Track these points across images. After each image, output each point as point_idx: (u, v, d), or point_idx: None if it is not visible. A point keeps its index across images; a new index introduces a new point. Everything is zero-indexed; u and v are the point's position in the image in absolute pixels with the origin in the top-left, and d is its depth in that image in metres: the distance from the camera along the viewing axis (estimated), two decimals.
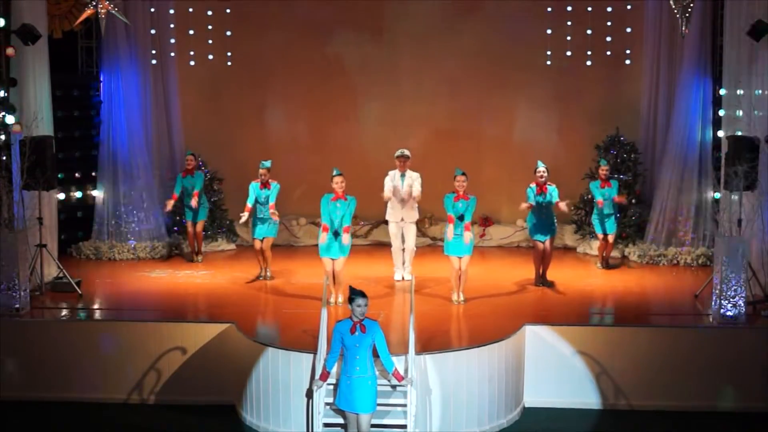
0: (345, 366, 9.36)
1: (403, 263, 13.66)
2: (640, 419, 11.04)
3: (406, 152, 13.48)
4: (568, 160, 15.95)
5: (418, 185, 13.36)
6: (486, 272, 14.23)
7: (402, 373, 9.86)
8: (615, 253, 15.12)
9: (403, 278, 13.60)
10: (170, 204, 14.61)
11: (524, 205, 13.20)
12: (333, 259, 12.12)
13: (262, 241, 13.66)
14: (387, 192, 13.38)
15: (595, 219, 14.37)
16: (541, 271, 13.48)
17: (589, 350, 11.31)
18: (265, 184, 13.54)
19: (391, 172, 13.50)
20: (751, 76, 12.60)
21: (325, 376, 9.60)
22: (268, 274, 13.84)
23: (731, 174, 11.96)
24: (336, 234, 11.97)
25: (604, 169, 14.36)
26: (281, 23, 16.62)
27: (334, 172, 12.04)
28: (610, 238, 14.42)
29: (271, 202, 13.40)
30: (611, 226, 14.32)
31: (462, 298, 12.41)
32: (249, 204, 13.50)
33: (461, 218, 12.22)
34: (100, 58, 15.72)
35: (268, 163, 13.60)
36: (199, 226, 15.00)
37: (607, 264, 14.58)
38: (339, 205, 11.99)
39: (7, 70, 12.80)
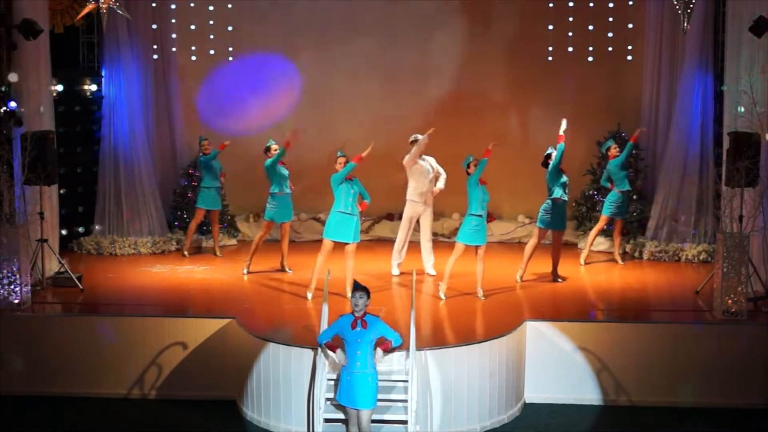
0: (346, 361, 9.37)
1: (428, 257, 13.60)
2: (641, 415, 11.04)
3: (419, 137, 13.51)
4: (570, 156, 15.84)
5: (443, 181, 13.42)
6: (487, 268, 14.13)
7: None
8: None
9: (428, 273, 13.53)
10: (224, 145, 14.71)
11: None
12: (344, 243, 12.11)
13: (280, 226, 13.65)
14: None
15: (611, 200, 14.25)
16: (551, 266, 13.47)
17: (590, 346, 11.32)
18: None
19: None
20: (752, 72, 12.58)
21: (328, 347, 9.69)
22: (288, 269, 13.82)
23: (732, 170, 11.97)
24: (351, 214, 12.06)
25: (614, 148, 14.37)
26: (282, 18, 16.59)
27: (338, 154, 12.15)
28: (620, 224, 14.39)
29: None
30: (625, 210, 14.32)
31: (481, 293, 12.37)
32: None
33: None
34: (102, 53, 15.68)
35: (282, 151, 13.49)
36: (215, 216, 14.99)
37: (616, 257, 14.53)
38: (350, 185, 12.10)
39: (9, 64, 12.80)
